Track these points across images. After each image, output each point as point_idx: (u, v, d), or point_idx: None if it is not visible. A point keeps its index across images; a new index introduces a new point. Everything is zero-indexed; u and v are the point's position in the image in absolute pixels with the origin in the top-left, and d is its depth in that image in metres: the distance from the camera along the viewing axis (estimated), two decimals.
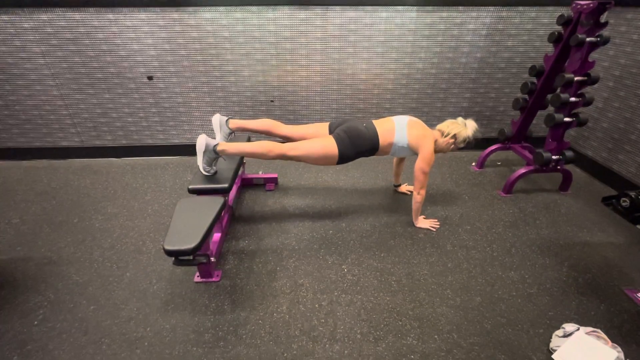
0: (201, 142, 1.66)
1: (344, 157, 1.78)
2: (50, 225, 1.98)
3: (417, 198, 1.89)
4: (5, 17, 2.25)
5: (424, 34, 2.47)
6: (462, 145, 1.90)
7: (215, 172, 1.78)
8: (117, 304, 1.49)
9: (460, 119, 1.91)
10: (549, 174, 2.43)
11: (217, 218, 1.49)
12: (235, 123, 1.91)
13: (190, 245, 1.31)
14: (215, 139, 1.84)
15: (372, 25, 2.42)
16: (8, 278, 1.61)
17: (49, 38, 2.33)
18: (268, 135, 1.96)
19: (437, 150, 1.90)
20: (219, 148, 1.69)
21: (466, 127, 1.87)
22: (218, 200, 1.56)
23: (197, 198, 1.62)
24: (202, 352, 1.29)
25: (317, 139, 1.79)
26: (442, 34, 2.48)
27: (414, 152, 1.88)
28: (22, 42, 2.34)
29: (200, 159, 1.70)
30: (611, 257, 1.77)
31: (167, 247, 1.30)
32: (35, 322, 1.41)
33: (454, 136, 1.87)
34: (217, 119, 1.88)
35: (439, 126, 1.93)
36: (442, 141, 1.88)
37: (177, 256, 1.34)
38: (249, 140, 2.19)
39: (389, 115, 1.95)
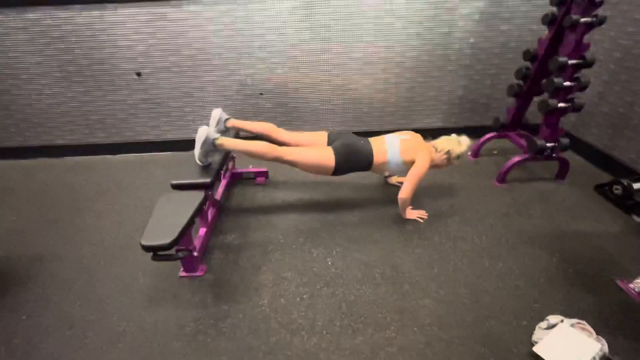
0: (202, 133, 1.69)
1: (338, 170, 1.84)
2: (44, 222, 2.02)
3: (402, 195, 1.85)
4: None
5: (413, 20, 2.40)
6: (456, 161, 1.94)
7: (210, 164, 1.79)
8: (102, 299, 1.52)
9: (454, 136, 1.95)
10: (547, 163, 2.35)
11: (197, 213, 1.49)
12: (234, 123, 1.94)
13: (167, 240, 1.31)
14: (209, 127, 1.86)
15: (359, 13, 2.35)
16: None
17: (38, 37, 2.34)
18: (266, 138, 1.94)
19: (432, 165, 1.92)
20: (217, 142, 1.71)
21: (460, 144, 1.91)
22: (198, 196, 1.56)
23: (178, 193, 1.62)
24: (181, 345, 1.31)
25: (316, 148, 1.86)
26: (433, 20, 2.40)
27: (410, 167, 1.89)
28: (13, 42, 2.35)
29: (197, 149, 1.73)
30: (605, 247, 1.72)
31: (144, 243, 1.31)
32: (24, 317, 1.44)
33: (448, 152, 1.90)
34: (217, 113, 1.94)
35: (433, 142, 1.96)
36: (436, 157, 1.91)
37: (155, 251, 1.35)
38: (236, 135, 2.19)
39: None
